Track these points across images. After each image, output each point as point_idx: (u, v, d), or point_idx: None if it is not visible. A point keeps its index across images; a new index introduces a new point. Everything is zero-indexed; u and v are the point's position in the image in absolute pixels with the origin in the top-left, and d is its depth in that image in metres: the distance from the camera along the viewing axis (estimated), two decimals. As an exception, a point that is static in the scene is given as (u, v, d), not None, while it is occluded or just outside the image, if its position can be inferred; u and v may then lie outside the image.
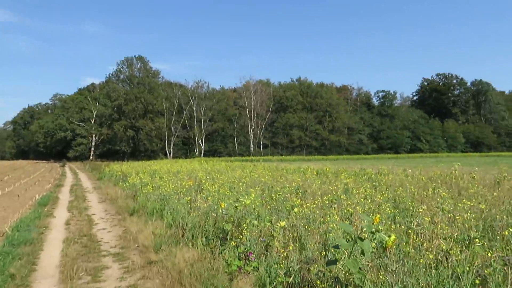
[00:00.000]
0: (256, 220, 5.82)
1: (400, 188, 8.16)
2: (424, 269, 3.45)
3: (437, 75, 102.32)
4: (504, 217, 5.10)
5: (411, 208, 5.48)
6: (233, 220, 6.16)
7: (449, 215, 4.89)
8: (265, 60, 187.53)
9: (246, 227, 5.21)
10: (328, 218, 5.14)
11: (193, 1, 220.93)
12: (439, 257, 3.70)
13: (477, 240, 3.75)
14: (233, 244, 5.00)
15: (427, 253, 3.67)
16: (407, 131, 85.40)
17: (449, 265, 3.47)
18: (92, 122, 75.05)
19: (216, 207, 7.49)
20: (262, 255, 4.63)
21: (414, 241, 3.99)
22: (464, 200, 5.71)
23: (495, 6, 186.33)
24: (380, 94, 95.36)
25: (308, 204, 6.09)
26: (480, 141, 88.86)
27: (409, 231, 4.26)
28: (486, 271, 3.32)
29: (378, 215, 4.66)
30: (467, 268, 3.28)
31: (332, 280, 3.29)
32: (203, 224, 6.18)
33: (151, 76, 75.10)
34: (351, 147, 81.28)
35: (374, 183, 9.72)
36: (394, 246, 3.36)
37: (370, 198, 6.76)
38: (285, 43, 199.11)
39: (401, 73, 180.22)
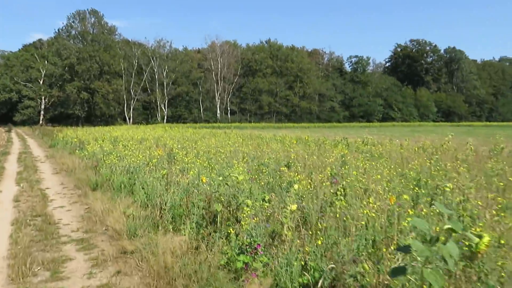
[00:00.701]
0: (249, 199, 4.95)
1: (405, 161, 7.64)
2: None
3: (411, 41, 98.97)
4: None
5: (437, 187, 4.81)
6: (223, 200, 5.26)
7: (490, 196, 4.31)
8: (232, 19, 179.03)
9: (245, 210, 4.30)
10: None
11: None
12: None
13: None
14: (232, 231, 4.10)
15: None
16: (379, 99, 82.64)
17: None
18: (41, 82, 67.91)
19: (197, 182, 6.54)
20: (271, 246, 3.80)
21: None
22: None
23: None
24: (353, 60, 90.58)
25: (310, 181, 5.31)
26: (452, 110, 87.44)
27: (465, 218, 3.14)
28: None
29: (404, 195, 3.97)
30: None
31: None
32: (189, 204, 5.19)
33: (107, 32, 68.99)
34: (322, 115, 79.43)
35: (366, 155, 9.19)
36: (486, 251, 2.58)
37: (375, 173, 6.13)
38: (254, 0, 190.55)
39: (375, 38, 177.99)
